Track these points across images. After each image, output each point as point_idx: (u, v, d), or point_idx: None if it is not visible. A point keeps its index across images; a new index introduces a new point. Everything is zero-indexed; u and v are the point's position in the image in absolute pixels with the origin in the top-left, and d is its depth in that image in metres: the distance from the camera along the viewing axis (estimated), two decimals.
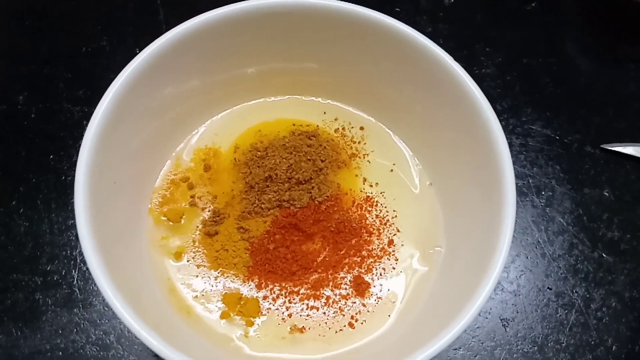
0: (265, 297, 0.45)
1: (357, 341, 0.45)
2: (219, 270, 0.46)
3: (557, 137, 0.59)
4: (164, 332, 0.36)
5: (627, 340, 0.51)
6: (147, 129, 0.46)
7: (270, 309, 0.45)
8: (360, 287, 0.46)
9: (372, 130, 0.52)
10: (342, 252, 0.47)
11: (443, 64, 0.44)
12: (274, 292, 0.46)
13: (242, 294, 0.45)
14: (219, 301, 0.45)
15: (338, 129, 0.52)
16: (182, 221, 0.47)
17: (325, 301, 0.46)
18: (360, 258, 0.47)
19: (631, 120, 0.61)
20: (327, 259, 0.47)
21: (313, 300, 0.45)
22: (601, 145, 0.59)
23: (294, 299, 0.45)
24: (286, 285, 0.46)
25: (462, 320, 0.36)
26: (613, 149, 0.58)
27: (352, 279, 0.46)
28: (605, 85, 0.63)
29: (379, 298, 0.46)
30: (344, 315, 0.45)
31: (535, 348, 0.50)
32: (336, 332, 0.45)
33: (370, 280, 0.46)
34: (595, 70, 0.64)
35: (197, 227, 0.47)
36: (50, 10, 0.64)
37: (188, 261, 0.46)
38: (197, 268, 0.46)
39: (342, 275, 0.46)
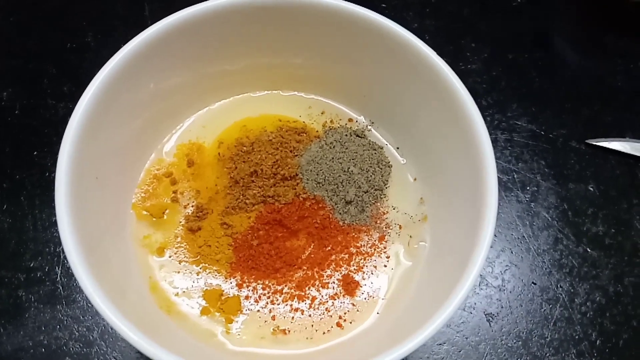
0: (247, 297, 0.45)
1: (342, 336, 0.45)
2: (201, 266, 0.46)
3: (543, 132, 0.59)
4: (147, 327, 0.36)
5: (612, 334, 0.51)
6: (129, 124, 0.46)
7: (252, 309, 0.45)
8: (350, 287, 0.46)
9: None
10: (327, 249, 0.47)
11: (427, 59, 0.43)
12: (257, 292, 0.45)
13: (224, 291, 0.45)
14: (200, 297, 0.45)
15: (326, 122, 0.52)
16: (165, 216, 0.47)
17: (311, 302, 0.45)
18: (348, 255, 0.47)
19: (618, 114, 0.61)
20: (312, 255, 0.46)
21: (297, 302, 0.45)
22: (586, 141, 0.59)
23: (277, 300, 0.45)
24: (269, 284, 0.45)
25: (442, 315, 0.36)
26: (598, 144, 0.58)
27: (340, 278, 0.46)
28: (592, 80, 0.63)
29: (370, 296, 0.46)
30: (331, 317, 0.45)
31: (520, 343, 0.50)
32: (324, 333, 0.44)
33: (360, 279, 0.46)
34: (582, 64, 0.64)
35: (180, 222, 0.47)
36: (35, 5, 0.64)
37: (170, 257, 0.46)
38: (179, 264, 0.46)
39: (328, 272, 0.46)
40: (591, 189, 0.57)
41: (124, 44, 0.42)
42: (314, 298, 0.45)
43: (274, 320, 0.44)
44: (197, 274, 0.46)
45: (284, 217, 0.47)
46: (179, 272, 0.46)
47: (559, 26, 0.66)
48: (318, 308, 0.45)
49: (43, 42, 0.62)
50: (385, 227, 0.48)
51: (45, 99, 0.58)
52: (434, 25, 0.64)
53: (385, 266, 0.47)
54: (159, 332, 0.40)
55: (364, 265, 0.47)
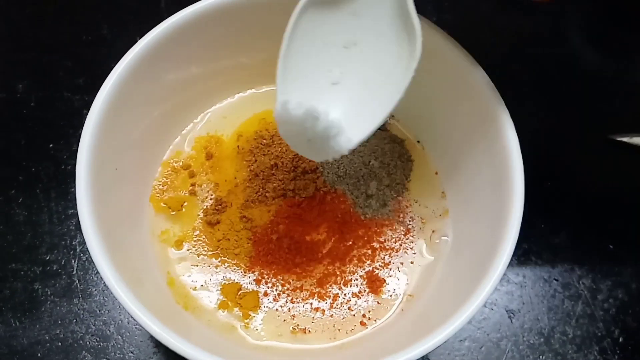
0: (266, 294, 0.44)
1: (364, 332, 0.44)
2: (219, 260, 0.45)
3: (564, 127, 0.58)
4: (165, 318, 0.35)
5: (634, 332, 0.50)
6: (148, 116, 0.46)
7: (270, 307, 0.44)
8: (375, 284, 0.45)
9: None
10: (349, 243, 0.46)
11: (450, 50, 0.43)
12: (276, 288, 0.44)
13: (242, 286, 0.44)
14: (218, 292, 0.44)
15: None
16: (183, 209, 0.47)
17: (332, 301, 0.44)
18: (371, 250, 0.46)
19: (638, 111, 0.60)
20: (333, 250, 0.46)
21: (318, 300, 0.44)
22: (608, 136, 0.58)
23: (296, 298, 0.44)
24: (289, 279, 0.45)
25: (466, 312, 0.35)
26: (620, 139, 0.57)
27: (364, 275, 0.45)
28: (611, 76, 0.62)
29: (395, 293, 0.45)
30: (354, 316, 0.44)
31: (542, 339, 0.49)
32: (347, 332, 0.43)
33: (386, 276, 0.45)
34: (602, 60, 0.63)
35: (199, 215, 0.47)
36: None
37: (188, 250, 0.45)
38: (198, 257, 0.45)
39: (350, 268, 0.45)
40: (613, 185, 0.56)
41: (139, 37, 0.42)
42: (335, 296, 0.44)
43: (293, 319, 0.44)
44: (216, 267, 0.45)
45: (304, 211, 0.46)
46: (197, 265, 0.45)
47: (577, 22, 0.65)
48: (341, 307, 0.44)
49: (58, 35, 0.61)
50: (409, 221, 0.47)
51: (61, 91, 0.57)
52: (452, 19, 0.63)
53: (412, 263, 0.46)
54: (178, 325, 0.40)
55: (389, 262, 0.46)
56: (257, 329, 0.43)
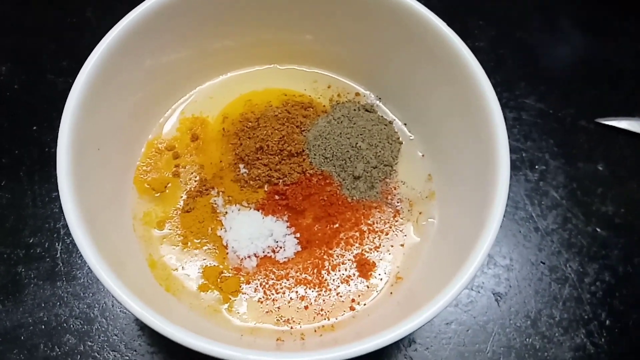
0: (248, 282, 0.43)
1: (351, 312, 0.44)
2: (199, 241, 0.45)
3: (551, 111, 0.58)
4: (148, 300, 0.35)
5: (621, 314, 0.50)
6: (132, 97, 0.45)
7: (252, 297, 0.43)
8: (365, 268, 0.44)
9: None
10: (335, 226, 0.45)
11: (438, 32, 0.43)
12: (259, 277, 0.43)
13: (223, 270, 0.44)
14: (199, 274, 0.44)
15: (333, 96, 0.51)
16: (167, 191, 0.46)
17: (320, 289, 0.43)
18: (359, 233, 0.45)
19: (626, 95, 0.60)
20: (319, 234, 0.45)
21: (305, 289, 0.43)
22: (595, 120, 0.58)
23: (281, 288, 0.43)
24: (272, 268, 0.44)
25: (450, 292, 0.35)
26: (607, 123, 0.57)
27: (352, 259, 0.44)
28: (599, 60, 0.62)
29: (384, 274, 0.44)
30: (343, 302, 0.43)
31: (529, 322, 0.49)
32: (337, 318, 0.43)
33: (376, 259, 0.45)
34: (590, 44, 0.63)
35: (182, 197, 0.46)
36: None
37: (170, 230, 0.45)
38: (179, 238, 0.45)
39: (338, 252, 0.45)
40: (600, 168, 0.56)
41: None
42: (323, 282, 0.44)
43: (278, 310, 0.43)
44: (196, 248, 0.44)
45: (290, 198, 0.45)
46: (178, 246, 0.44)
47: (565, 5, 0.65)
48: (329, 294, 0.43)
49: (42, 17, 0.61)
50: (398, 203, 0.47)
51: (45, 74, 0.57)
52: (440, 3, 0.63)
53: (402, 245, 0.46)
54: (161, 307, 0.39)
55: (379, 245, 0.45)
56: (239, 312, 0.43)
